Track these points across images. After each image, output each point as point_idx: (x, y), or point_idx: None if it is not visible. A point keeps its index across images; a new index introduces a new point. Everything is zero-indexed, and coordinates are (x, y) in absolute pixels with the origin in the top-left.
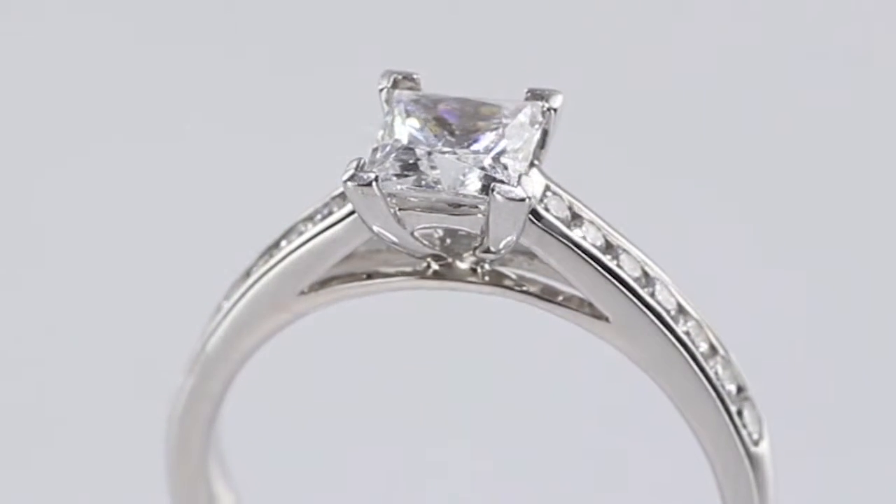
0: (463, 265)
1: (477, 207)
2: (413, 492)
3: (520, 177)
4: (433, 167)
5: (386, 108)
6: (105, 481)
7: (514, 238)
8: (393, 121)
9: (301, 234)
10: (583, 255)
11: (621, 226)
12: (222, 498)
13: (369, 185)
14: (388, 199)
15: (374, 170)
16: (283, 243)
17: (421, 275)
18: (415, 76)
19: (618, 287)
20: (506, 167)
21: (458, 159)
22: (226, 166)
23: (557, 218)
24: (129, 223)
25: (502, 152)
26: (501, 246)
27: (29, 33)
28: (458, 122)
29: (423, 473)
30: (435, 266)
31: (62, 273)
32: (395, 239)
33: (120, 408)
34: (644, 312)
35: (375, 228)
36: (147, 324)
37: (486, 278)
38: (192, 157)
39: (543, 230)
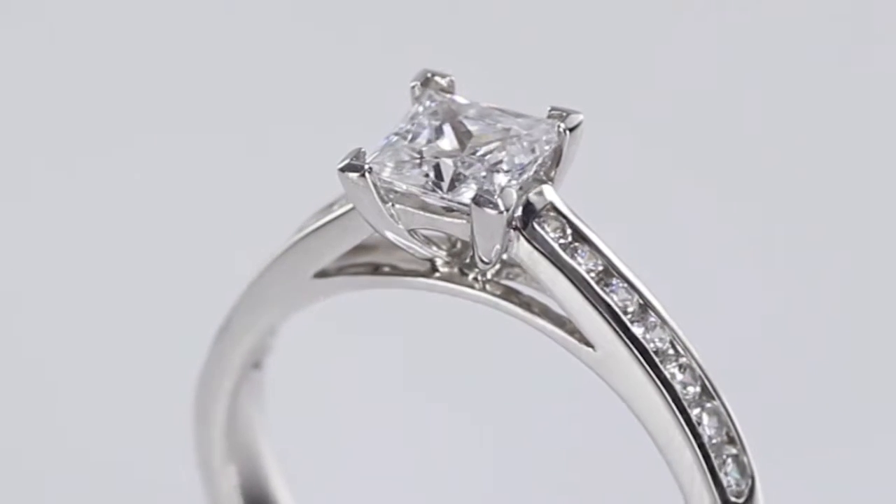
0: (465, 272)
1: (467, 215)
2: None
3: (501, 189)
4: (435, 169)
5: (412, 104)
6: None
7: (498, 249)
8: (412, 118)
9: (325, 216)
10: (571, 279)
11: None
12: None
13: (362, 175)
14: (386, 194)
15: (375, 161)
16: (312, 222)
17: (426, 276)
18: (448, 78)
19: (604, 318)
20: (493, 179)
21: (460, 166)
22: (243, 164)
23: (553, 238)
24: (130, 223)
25: (498, 164)
26: (483, 255)
27: (29, 32)
28: (472, 130)
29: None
30: (440, 269)
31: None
32: (389, 235)
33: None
34: (629, 348)
35: (371, 221)
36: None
37: (485, 288)
38: (206, 156)
39: (534, 248)
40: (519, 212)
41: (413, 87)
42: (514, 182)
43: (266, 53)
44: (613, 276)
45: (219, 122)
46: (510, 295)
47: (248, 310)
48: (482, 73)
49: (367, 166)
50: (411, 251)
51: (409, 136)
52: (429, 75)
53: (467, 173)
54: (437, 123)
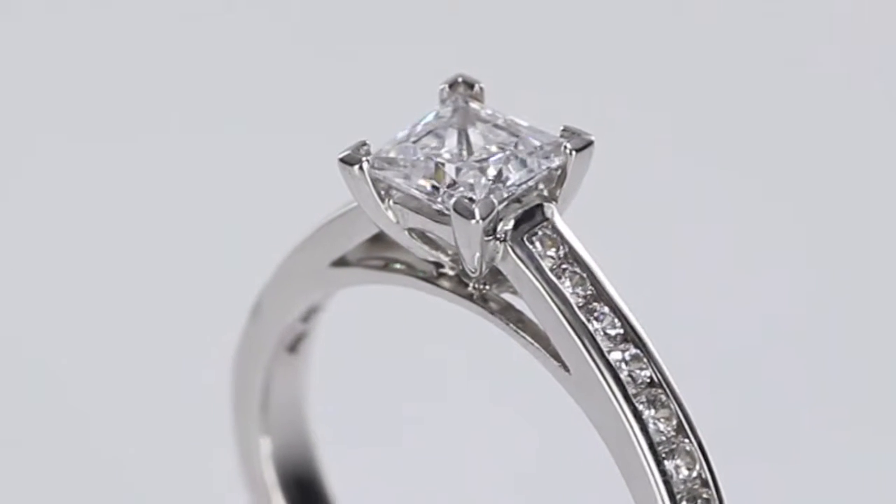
0: (465, 281)
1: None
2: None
3: (482, 199)
4: (437, 171)
5: (438, 106)
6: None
7: (479, 257)
8: (427, 119)
9: (345, 205)
10: (553, 299)
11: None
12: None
13: (360, 167)
14: (386, 191)
15: (378, 156)
16: (335, 211)
17: (430, 279)
18: (478, 85)
19: (581, 343)
20: (483, 188)
21: (458, 172)
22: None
23: (542, 255)
24: (131, 222)
25: (497, 175)
26: (466, 263)
27: (29, 30)
28: (478, 139)
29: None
30: (444, 274)
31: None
32: (388, 231)
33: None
34: (603, 377)
35: (370, 215)
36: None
37: (479, 298)
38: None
39: (520, 263)
40: (510, 224)
41: (441, 90)
42: (504, 194)
43: (281, 52)
44: (601, 302)
45: (231, 120)
46: (502, 308)
47: (274, 292)
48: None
49: (364, 159)
50: (413, 251)
51: (418, 137)
52: (459, 80)
53: (462, 180)
54: (450, 128)
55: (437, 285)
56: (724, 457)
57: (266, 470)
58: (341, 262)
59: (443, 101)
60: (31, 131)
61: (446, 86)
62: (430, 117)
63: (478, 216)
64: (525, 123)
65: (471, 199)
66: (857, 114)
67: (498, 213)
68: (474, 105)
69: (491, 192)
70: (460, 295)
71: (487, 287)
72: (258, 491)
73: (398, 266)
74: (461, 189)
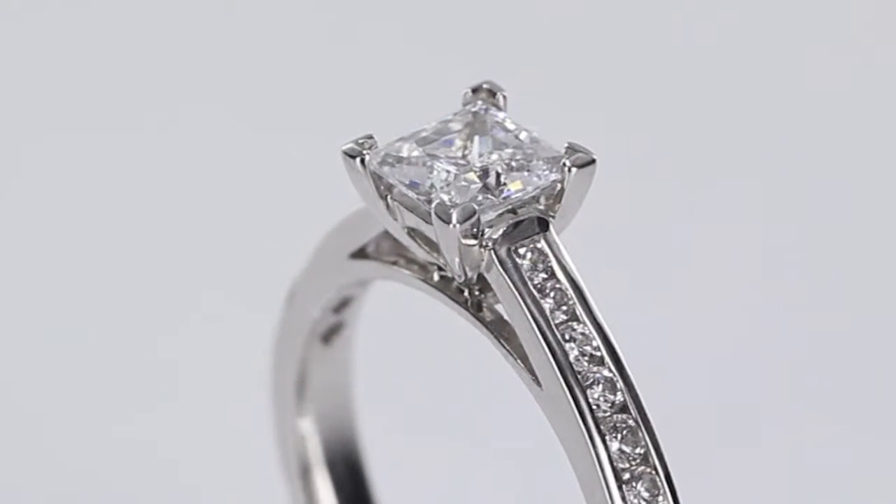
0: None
1: None
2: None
3: (463, 203)
4: (433, 172)
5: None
6: None
7: (458, 262)
8: (442, 121)
9: None
10: (530, 314)
11: None
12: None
13: (362, 161)
14: (388, 187)
15: (383, 152)
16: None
17: (428, 280)
18: (501, 93)
19: (552, 362)
20: (471, 195)
21: (454, 177)
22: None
23: (527, 268)
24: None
25: (494, 184)
26: (450, 267)
27: (29, 27)
28: (490, 147)
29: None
30: (443, 274)
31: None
32: (388, 228)
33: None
34: (570, 398)
35: (371, 209)
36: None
37: (469, 303)
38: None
39: (502, 273)
40: (499, 233)
41: (465, 94)
42: (497, 202)
43: (301, 48)
44: (581, 322)
45: (256, 116)
46: (495, 319)
47: (304, 280)
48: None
49: (366, 153)
50: (413, 250)
51: (428, 136)
52: (483, 86)
53: (456, 183)
54: (460, 132)
55: (436, 287)
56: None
57: (305, 450)
58: (360, 255)
59: (464, 105)
60: (39, 129)
61: (470, 90)
62: (447, 118)
63: (454, 220)
64: (539, 136)
65: (452, 203)
66: (852, 121)
67: (480, 219)
68: (493, 112)
69: (477, 197)
70: (455, 300)
71: (482, 294)
72: (290, 472)
73: (406, 264)
74: (450, 192)
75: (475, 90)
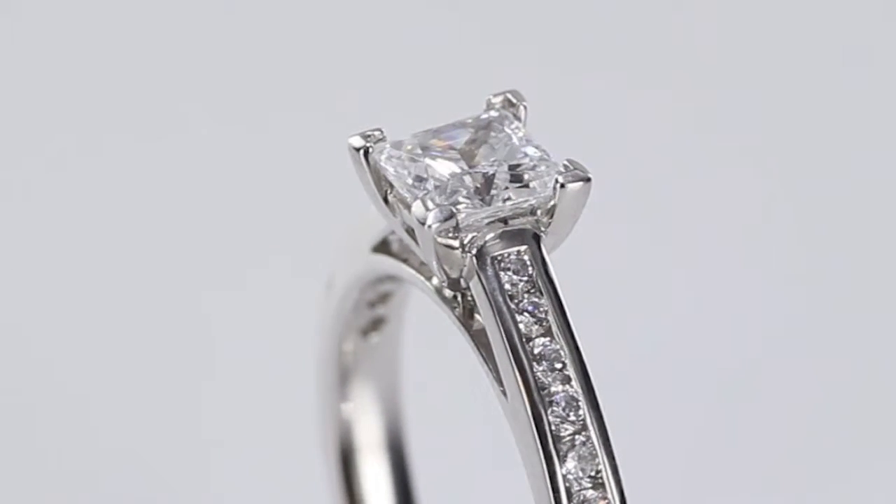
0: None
1: None
2: None
3: (441, 206)
4: (429, 171)
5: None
6: None
7: (435, 265)
8: (457, 122)
9: None
10: (500, 326)
11: None
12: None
13: (365, 153)
14: (384, 181)
15: (389, 147)
16: None
17: (425, 280)
18: (523, 104)
19: (517, 376)
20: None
21: (449, 178)
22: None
23: (506, 279)
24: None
25: (485, 191)
26: (433, 270)
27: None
28: (494, 154)
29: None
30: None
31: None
32: (389, 223)
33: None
34: (528, 415)
35: (372, 203)
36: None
37: (461, 309)
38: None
39: (479, 281)
40: (483, 241)
41: (488, 99)
42: (485, 210)
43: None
44: (554, 339)
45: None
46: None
47: (337, 270)
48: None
49: (369, 146)
50: (412, 248)
51: (436, 136)
52: (506, 94)
53: (448, 185)
54: (468, 136)
55: (433, 290)
56: None
57: (348, 435)
58: (380, 249)
59: (486, 110)
60: (50, 128)
61: (491, 97)
62: (462, 121)
63: (429, 221)
64: (547, 152)
65: (437, 204)
66: (851, 121)
67: (459, 223)
68: (510, 121)
69: (464, 202)
70: (448, 305)
71: (474, 302)
72: (330, 457)
73: (412, 263)
74: (442, 194)
75: (497, 96)
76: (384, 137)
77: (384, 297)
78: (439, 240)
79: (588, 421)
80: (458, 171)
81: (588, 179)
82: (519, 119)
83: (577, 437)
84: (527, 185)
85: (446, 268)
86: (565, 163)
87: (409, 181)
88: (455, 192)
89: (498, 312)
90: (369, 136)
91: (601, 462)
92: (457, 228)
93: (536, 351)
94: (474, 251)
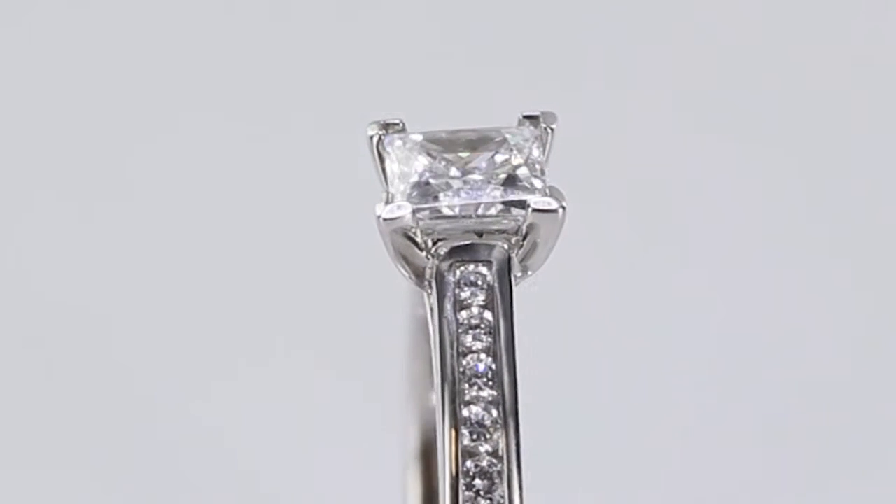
0: None
1: None
2: None
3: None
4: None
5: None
6: None
7: (391, 257)
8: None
9: None
10: (436, 332)
11: None
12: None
13: (379, 139)
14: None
15: (397, 137)
16: None
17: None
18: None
19: (439, 388)
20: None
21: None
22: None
23: (459, 294)
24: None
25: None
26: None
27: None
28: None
29: None
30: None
31: None
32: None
33: None
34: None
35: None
36: None
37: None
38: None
39: (432, 285)
40: (449, 247)
41: (519, 116)
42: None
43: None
44: (493, 357)
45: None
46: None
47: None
48: None
49: (380, 133)
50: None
51: (443, 135)
52: (536, 113)
53: (429, 182)
54: (475, 141)
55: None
56: None
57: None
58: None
59: (517, 125)
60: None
61: (521, 115)
62: (482, 128)
63: (378, 211)
64: (547, 177)
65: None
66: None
67: (412, 222)
68: (530, 141)
69: (443, 205)
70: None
71: None
72: (410, 449)
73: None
74: (414, 191)
75: (527, 115)
76: (404, 128)
77: None
78: (389, 231)
79: (503, 450)
80: (450, 174)
81: (555, 210)
82: (541, 140)
83: (490, 459)
84: (511, 204)
85: (403, 263)
86: (546, 188)
87: (404, 172)
88: (437, 194)
89: (439, 320)
90: (388, 124)
91: (505, 493)
92: (412, 223)
93: (468, 367)
94: (442, 253)
